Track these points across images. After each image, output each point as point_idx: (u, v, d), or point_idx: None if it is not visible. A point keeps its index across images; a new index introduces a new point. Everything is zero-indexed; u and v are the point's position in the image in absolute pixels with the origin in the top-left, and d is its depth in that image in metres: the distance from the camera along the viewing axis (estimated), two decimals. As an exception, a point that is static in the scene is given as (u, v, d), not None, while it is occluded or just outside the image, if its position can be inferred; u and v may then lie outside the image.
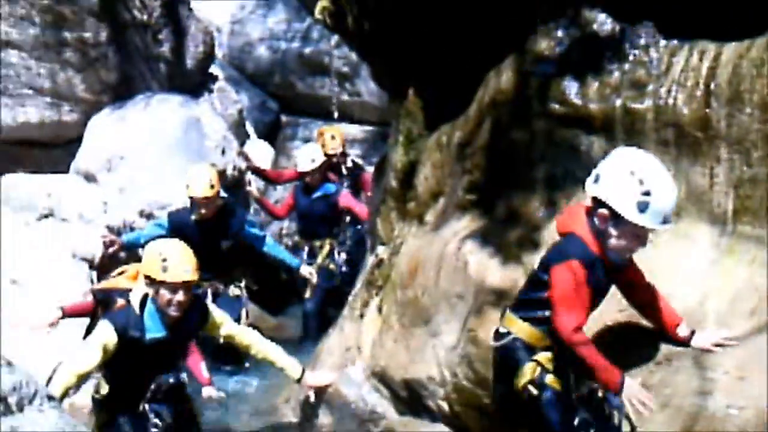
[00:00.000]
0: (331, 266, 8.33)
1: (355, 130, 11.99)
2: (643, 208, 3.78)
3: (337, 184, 8.63)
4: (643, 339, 4.11)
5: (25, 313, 6.27)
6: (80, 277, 6.80)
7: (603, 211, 3.84)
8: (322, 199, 8.39)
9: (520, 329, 4.02)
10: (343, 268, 8.29)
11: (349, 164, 9.21)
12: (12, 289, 6.81)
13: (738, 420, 3.68)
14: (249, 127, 11.16)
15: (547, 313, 3.92)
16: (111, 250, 6.95)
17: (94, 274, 6.87)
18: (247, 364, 7.16)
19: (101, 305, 6.22)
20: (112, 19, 8.96)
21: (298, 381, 5.41)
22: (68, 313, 6.19)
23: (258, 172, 9.37)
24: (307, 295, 8.11)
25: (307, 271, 7.70)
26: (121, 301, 5.16)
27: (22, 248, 6.88)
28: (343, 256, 8.34)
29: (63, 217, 6.99)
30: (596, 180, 3.90)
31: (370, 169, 8.39)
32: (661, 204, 3.80)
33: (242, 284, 7.40)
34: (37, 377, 3.44)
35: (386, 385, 5.31)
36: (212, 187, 7.06)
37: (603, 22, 4.85)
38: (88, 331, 6.42)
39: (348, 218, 8.43)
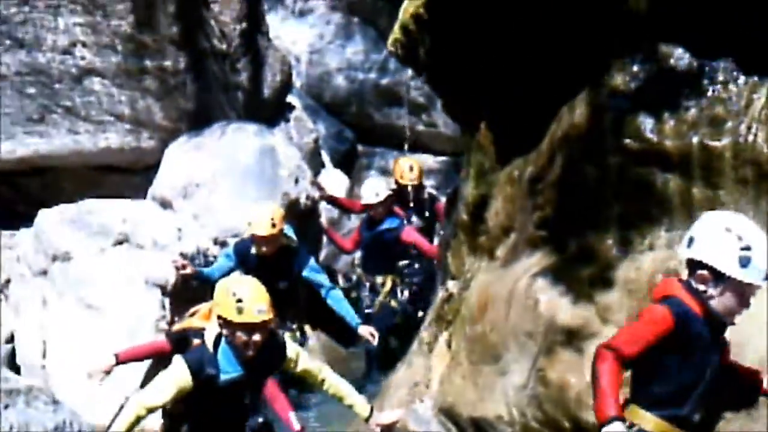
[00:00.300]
0: (393, 303, 8.12)
1: (431, 161, 11.99)
2: (744, 263, 3.59)
3: (401, 218, 8.38)
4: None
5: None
6: (153, 303, 6.87)
7: (702, 272, 3.66)
8: (386, 233, 8.17)
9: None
10: (407, 306, 8.08)
11: (426, 196, 9.04)
12: (86, 313, 6.92)
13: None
14: (325, 157, 11.22)
15: None
16: (182, 273, 6.98)
17: (167, 300, 6.93)
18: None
19: (177, 347, 6.28)
20: (192, 48, 9.12)
21: (367, 420, 5.32)
22: (123, 360, 6.14)
23: (332, 200, 9.25)
24: None
25: (367, 331, 7.11)
26: (196, 341, 5.05)
27: (97, 273, 6.98)
28: (406, 293, 8.12)
29: (138, 243, 7.08)
30: (689, 244, 3.73)
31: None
32: (762, 259, 3.64)
33: (294, 326, 7.21)
34: (82, 416, 3.42)
35: (454, 422, 5.24)
36: (273, 225, 6.86)
37: (680, 57, 4.75)
38: (153, 373, 6.51)
39: (414, 253, 8.20)
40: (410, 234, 8.18)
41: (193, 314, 5.65)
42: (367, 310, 8.05)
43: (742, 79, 4.57)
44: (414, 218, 8.62)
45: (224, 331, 4.66)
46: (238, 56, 9.65)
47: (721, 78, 4.63)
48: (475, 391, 5.05)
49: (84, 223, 7.20)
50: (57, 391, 6.75)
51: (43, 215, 7.41)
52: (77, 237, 7.14)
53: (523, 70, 5.28)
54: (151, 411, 4.68)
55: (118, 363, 6.18)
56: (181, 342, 6.22)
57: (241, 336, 4.63)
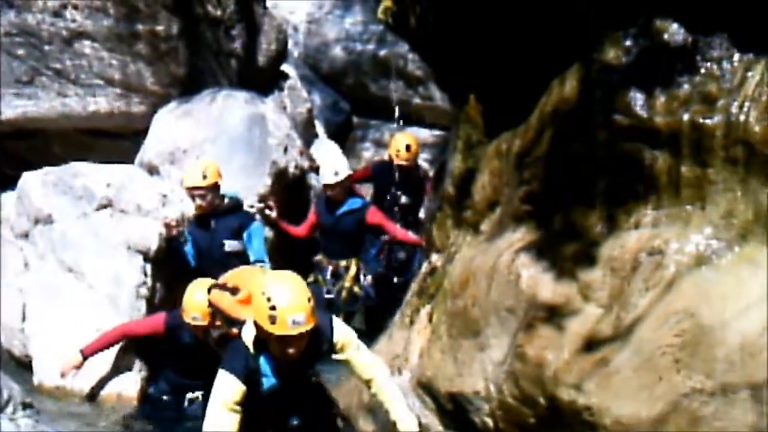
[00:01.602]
0: (356, 289, 7.85)
1: (426, 134, 11.91)
2: None
3: (363, 198, 8.08)
4: (698, 365, 3.90)
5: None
6: (135, 268, 6.79)
7: None
8: (347, 216, 7.84)
9: None
10: (370, 291, 7.81)
11: (420, 174, 8.82)
12: (67, 277, 6.84)
13: (794, 459, 3.46)
14: (319, 127, 11.11)
15: None
16: (170, 232, 6.94)
17: (149, 266, 6.85)
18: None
19: (171, 332, 6.25)
20: (185, 13, 8.98)
21: None
22: (88, 354, 6.37)
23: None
24: None
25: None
26: (234, 330, 4.66)
27: (79, 237, 6.90)
28: (369, 279, 7.78)
29: (121, 208, 6.98)
30: None
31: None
32: None
33: None
34: (12, 384, 3.30)
35: (432, 396, 5.17)
36: (204, 177, 6.95)
37: (675, 33, 4.64)
38: (151, 351, 6.52)
39: (384, 237, 7.90)
40: (375, 215, 7.87)
41: (233, 290, 4.88)
42: (328, 296, 7.79)
43: (736, 56, 4.47)
44: (403, 196, 8.36)
45: (261, 334, 4.21)
46: (233, 23, 9.52)
47: (715, 54, 4.52)
48: (454, 365, 4.98)
49: (67, 186, 7.09)
50: (35, 355, 6.72)
51: (26, 178, 7.32)
52: (60, 200, 7.04)
53: (515, 41, 5.16)
54: None
55: (85, 358, 6.38)
56: (177, 328, 6.21)
57: (275, 345, 4.23)
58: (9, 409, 3.20)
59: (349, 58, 12.36)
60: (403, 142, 8.51)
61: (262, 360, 4.37)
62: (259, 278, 4.57)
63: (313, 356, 4.56)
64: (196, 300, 5.95)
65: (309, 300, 4.32)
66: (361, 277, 7.86)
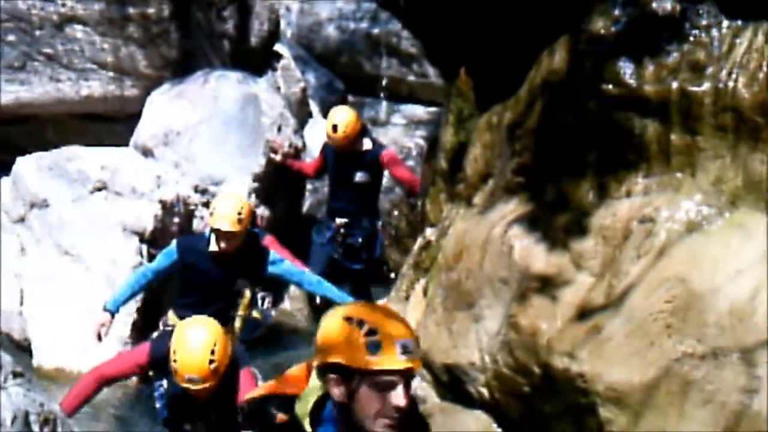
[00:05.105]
0: (255, 314, 7.09)
1: (421, 111, 11.88)
2: None
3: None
4: (689, 330, 3.93)
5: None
6: (131, 249, 6.83)
7: None
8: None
9: None
10: (269, 316, 7.33)
11: (363, 148, 8.03)
12: (64, 260, 6.88)
13: (784, 421, 3.50)
14: (314, 107, 11.11)
15: None
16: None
17: (144, 247, 6.88)
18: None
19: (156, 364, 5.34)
20: (177, -5, 8.98)
21: None
22: (72, 410, 5.18)
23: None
24: None
25: None
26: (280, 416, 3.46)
27: (75, 220, 6.94)
28: (267, 302, 7.24)
29: (116, 191, 7.01)
30: None
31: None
32: None
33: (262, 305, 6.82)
34: (3, 354, 3.32)
35: (428, 368, 5.19)
36: (240, 221, 6.13)
37: (663, 1, 4.64)
38: None
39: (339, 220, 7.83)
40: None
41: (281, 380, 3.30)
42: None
43: (725, 23, 4.47)
44: (358, 173, 8.00)
45: (339, 391, 2.70)
46: (224, 4, 9.52)
47: (703, 22, 4.52)
48: (449, 337, 5.01)
49: (62, 170, 7.13)
50: (33, 337, 6.76)
51: (21, 162, 7.36)
52: (55, 184, 7.07)
53: (504, 13, 5.17)
54: None
55: (68, 416, 5.08)
56: (162, 361, 5.20)
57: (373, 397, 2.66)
58: (0, 378, 3.23)
59: (342, 36, 12.30)
60: (330, 123, 7.92)
61: None
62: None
63: None
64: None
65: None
66: (258, 301, 7.15)
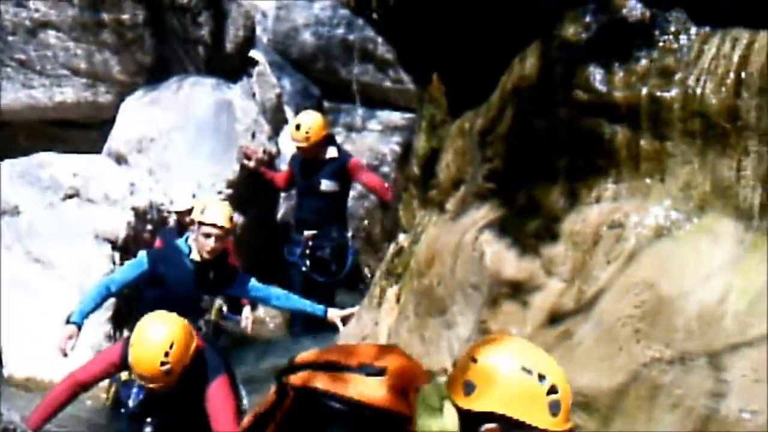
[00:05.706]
0: (222, 323, 7.10)
1: (397, 117, 11.87)
2: None
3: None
4: (658, 335, 3.95)
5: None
6: (103, 257, 6.79)
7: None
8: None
9: None
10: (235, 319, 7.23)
11: (327, 155, 7.97)
12: (35, 267, 6.83)
13: (751, 425, 3.53)
14: (289, 113, 11.08)
15: None
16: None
17: (117, 254, 6.85)
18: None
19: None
20: (150, 1, 8.94)
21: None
22: (38, 425, 5.05)
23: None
24: None
25: (337, 316, 6.10)
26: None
27: (46, 227, 6.89)
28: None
29: (88, 198, 6.98)
30: None
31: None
32: None
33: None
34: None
35: (401, 375, 5.19)
36: (231, 219, 6.00)
37: (633, 8, 4.69)
38: None
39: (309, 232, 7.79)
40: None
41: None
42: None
43: (693, 29, 4.51)
44: (324, 181, 7.92)
45: None
46: (199, 10, 9.49)
47: (672, 29, 4.57)
48: (421, 344, 5.01)
49: (34, 177, 7.09)
50: (5, 346, 6.71)
51: (-8, 169, 7.31)
52: (27, 191, 7.03)
53: (476, 20, 5.19)
54: None
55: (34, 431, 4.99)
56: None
57: None
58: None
59: (318, 42, 12.29)
60: (295, 122, 7.97)
61: None
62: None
63: None
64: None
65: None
66: (224, 308, 7.03)
